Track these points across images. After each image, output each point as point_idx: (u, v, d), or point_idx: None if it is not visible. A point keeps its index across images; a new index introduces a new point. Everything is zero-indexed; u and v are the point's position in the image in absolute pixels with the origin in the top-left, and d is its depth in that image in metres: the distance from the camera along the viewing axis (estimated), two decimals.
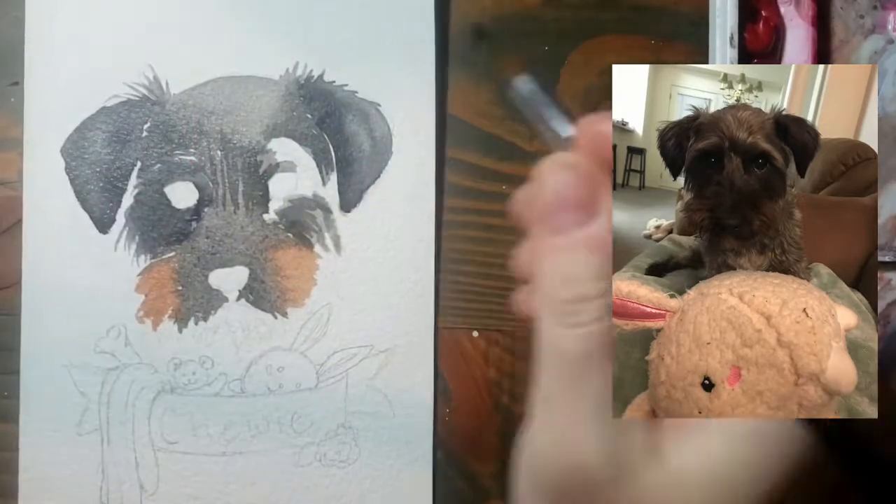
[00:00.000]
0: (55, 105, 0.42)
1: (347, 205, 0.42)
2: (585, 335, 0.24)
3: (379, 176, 0.42)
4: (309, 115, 0.42)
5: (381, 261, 0.42)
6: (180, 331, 0.42)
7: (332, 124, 0.42)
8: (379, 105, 0.43)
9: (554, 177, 0.25)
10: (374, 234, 0.42)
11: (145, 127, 0.42)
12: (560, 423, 0.24)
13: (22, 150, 0.42)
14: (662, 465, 0.24)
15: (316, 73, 0.42)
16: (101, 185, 0.42)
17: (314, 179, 0.42)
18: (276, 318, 0.42)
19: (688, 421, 0.26)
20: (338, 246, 0.42)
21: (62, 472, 0.41)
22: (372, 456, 0.42)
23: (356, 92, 0.42)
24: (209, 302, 0.42)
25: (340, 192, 0.42)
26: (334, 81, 0.43)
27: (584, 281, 0.24)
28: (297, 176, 0.42)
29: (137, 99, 0.42)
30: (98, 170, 0.42)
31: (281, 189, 0.42)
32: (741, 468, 0.24)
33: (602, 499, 0.24)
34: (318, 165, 0.42)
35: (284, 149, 0.42)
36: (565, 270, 0.25)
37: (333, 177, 0.42)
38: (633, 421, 0.25)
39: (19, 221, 0.42)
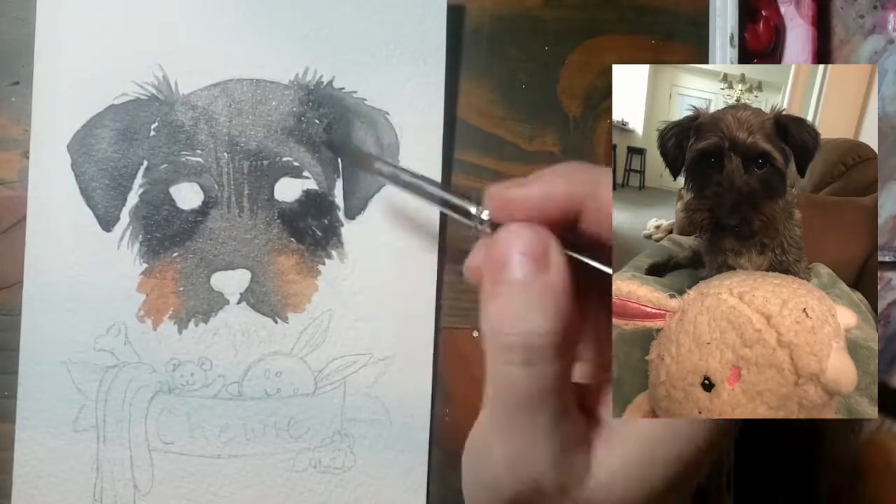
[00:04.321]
0: (63, 101, 0.41)
1: (352, 211, 0.42)
2: (533, 375, 0.26)
3: (385, 184, 0.42)
4: (317, 121, 0.42)
5: (383, 269, 0.42)
6: (180, 331, 0.42)
7: (340, 131, 0.42)
8: (388, 113, 0.42)
9: (507, 237, 0.28)
10: (377, 242, 0.42)
11: (153, 126, 0.42)
12: (513, 450, 0.26)
13: (22, 150, 0.42)
14: (597, 473, 0.27)
15: (326, 79, 0.42)
16: (106, 182, 0.42)
17: (320, 185, 0.42)
18: (276, 322, 0.42)
19: (614, 433, 0.28)
20: (341, 252, 0.42)
21: (56, 469, 0.41)
22: (367, 464, 0.41)
23: (365, 99, 0.42)
24: (210, 303, 0.42)
25: (346, 199, 0.42)
26: (344, 88, 0.42)
27: (529, 321, 0.26)
28: (303, 181, 0.42)
29: (146, 98, 0.42)
30: (104, 167, 0.42)
31: (286, 193, 0.42)
32: (657, 467, 0.27)
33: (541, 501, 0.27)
34: (325, 171, 0.42)
35: (291, 153, 0.42)
36: (511, 309, 0.27)
37: (339, 183, 0.42)
38: (573, 440, 0.27)
39: (20, 221, 0.42)
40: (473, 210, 0.31)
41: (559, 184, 0.29)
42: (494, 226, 0.31)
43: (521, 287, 0.27)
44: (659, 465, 0.27)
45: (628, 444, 0.27)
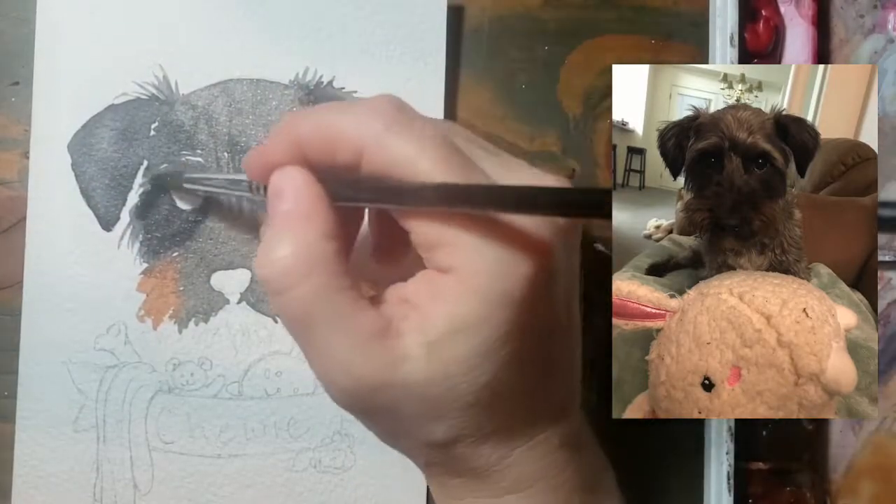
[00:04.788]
0: (63, 101, 0.41)
1: None
2: (289, 299, 0.27)
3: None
4: None
5: None
6: (180, 331, 0.42)
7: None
8: None
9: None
10: None
11: (153, 126, 0.42)
12: (319, 365, 0.28)
13: (22, 150, 0.42)
14: (411, 354, 0.27)
15: (325, 79, 0.42)
16: (106, 182, 0.42)
17: None
18: (276, 321, 0.42)
19: (426, 314, 0.28)
20: None
21: (57, 469, 0.41)
22: (367, 464, 0.41)
23: None
24: (210, 303, 0.42)
25: None
26: (343, 88, 0.42)
27: (267, 251, 0.27)
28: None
29: (146, 98, 0.42)
30: (104, 167, 0.42)
31: None
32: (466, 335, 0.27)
33: (380, 399, 0.28)
34: None
35: None
36: (261, 247, 0.28)
37: None
38: (369, 336, 0.28)
39: (20, 222, 0.42)
40: (253, 185, 0.32)
41: (287, 132, 0.29)
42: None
43: (270, 223, 0.28)
44: (466, 334, 0.27)
45: (439, 321, 0.28)
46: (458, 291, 0.27)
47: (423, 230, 0.28)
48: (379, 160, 0.28)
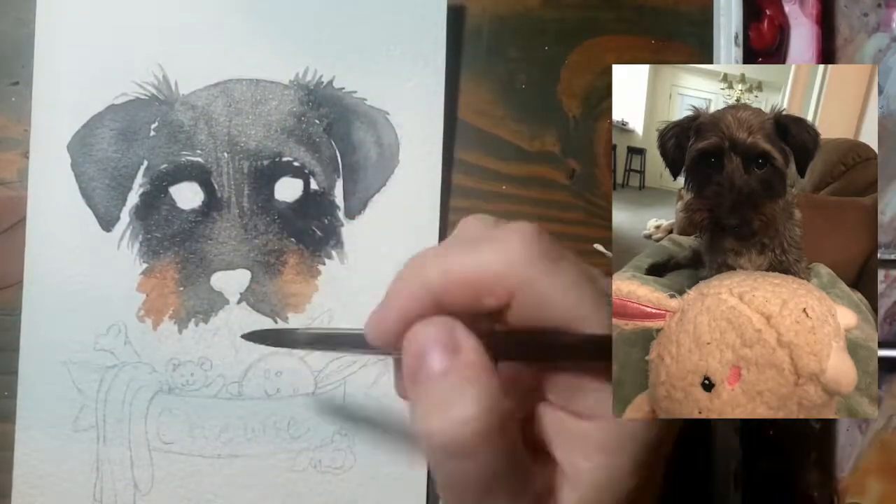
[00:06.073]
0: (63, 101, 0.41)
1: (352, 211, 0.42)
2: (474, 466, 0.24)
3: (385, 184, 0.42)
4: (317, 121, 0.42)
5: (383, 269, 0.42)
6: (180, 331, 0.42)
7: (340, 131, 0.42)
8: (388, 113, 0.43)
9: (410, 338, 0.26)
10: (377, 242, 0.42)
11: (153, 126, 0.42)
12: None
13: (22, 150, 0.42)
14: None
15: (325, 79, 0.42)
16: (106, 182, 0.42)
17: (320, 185, 0.42)
18: (276, 322, 0.42)
19: (568, 475, 0.27)
20: (341, 252, 0.42)
21: (56, 469, 0.41)
22: (367, 464, 0.41)
23: (365, 99, 0.42)
24: (210, 303, 0.42)
25: (346, 199, 0.42)
26: (343, 88, 0.42)
27: (453, 409, 0.24)
28: (303, 181, 0.42)
29: (146, 98, 0.42)
30: (104, 167, 0.42)
31: (286, 193, 0.42)
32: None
33: None
34: (325, 171, 0.42)
35: (291, 154, 0.42)
36: (434, 403, 0.25)
37: (339, 183, 0.42)
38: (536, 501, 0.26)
39: (20, 222, 0.42)
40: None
41: (416, 282, 0.27)
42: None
43: (438, 378, 0.25)
44: (613, 489, 0.26)
45: (581, 482, 0.26)
46: (607, 440, 0.26)
47: (562, 374, 0.26)
48: (533, 303, 0.25)
